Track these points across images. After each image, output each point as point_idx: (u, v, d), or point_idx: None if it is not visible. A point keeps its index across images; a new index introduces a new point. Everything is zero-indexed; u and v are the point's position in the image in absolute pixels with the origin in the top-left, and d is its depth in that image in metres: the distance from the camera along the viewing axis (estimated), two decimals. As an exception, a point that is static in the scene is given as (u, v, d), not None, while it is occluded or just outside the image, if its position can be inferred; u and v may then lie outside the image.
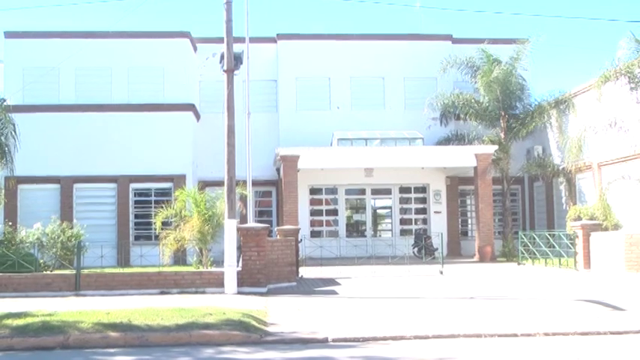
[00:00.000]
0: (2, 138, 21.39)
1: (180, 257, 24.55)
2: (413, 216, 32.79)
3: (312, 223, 31.74)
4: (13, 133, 21.46)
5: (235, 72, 18.91)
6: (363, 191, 32.85)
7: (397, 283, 19.61)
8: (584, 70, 65.71)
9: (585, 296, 15.70)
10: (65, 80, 29.55)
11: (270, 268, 18.50)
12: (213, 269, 18.91)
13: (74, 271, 17.90)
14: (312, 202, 32.01)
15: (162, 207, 22.02)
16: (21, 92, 28.34)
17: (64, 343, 11.01)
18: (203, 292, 17.31)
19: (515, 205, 33.17)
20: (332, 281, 20.10)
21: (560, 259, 23.93)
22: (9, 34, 29.87)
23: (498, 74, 29.32)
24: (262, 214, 32.02)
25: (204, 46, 30.87)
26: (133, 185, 29.08)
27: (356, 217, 33.28)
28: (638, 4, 64.32)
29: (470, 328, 11.66)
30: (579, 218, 25.11)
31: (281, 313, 13.88)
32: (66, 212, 27.38)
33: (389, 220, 33.19)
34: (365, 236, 31.92)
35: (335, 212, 32.39)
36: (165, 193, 28.35)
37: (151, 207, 27.84)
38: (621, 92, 24.29)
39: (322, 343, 11.06)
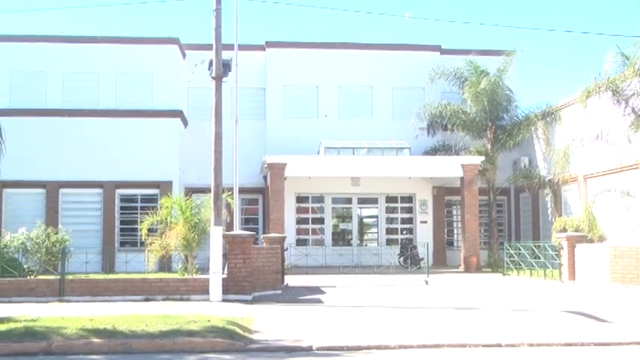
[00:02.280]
0: (-13, 142, 21.26)
1: (165, 264, 24.49)
2: (399, 225, 32.83)
3: (299, 232, 31.72)
4: (-1, 136, 21.34)
5: (224, 79, 18.89)
6: (349, 200, 32.86)
7: (382, 292, 19.61)
8: (572, 82, 66.07)
9: (570, 308, 15.73)
10: (52, 85, 29.39)
11: (255, 276, 18.47)
12: (199, 276, 18.86)
13: (58, 277, 17.83)
14: (299, 210, 31.99)
15: (148, 213, 21.99)
16: (8, 96, 28.22)
17: (47, 349, 10.93)
18: (188, 299, 17.26)
19: (501, 215, 33.24)
20: (317, 290, 20.08)
21: (545, 271, 24.00)
22: (-4, 38, 29.77)
23: (486, 85, 29.43)
24: (249, 221, 31.96)
25: (193, 52, 30.81)
26: (119, 191, 29.01)
27: (342, 225, 33.27)
28: (626, 17, 64.68)
29: (454, 338, 11.66)
30: (565, 230, 25.20)
31: (266, 320, 13.84)
32: (51, 217, 27.22)
33: (375, 230, 33.20)
34: (351, 245, 31.90)
35: (321, 221, 32.38)
36: (151, 199, 28.26)
37: (136, 213, 27.78)
38: (607, 105, 24.41)
39: (307, 351, 11.04)
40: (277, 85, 32.47)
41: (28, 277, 18.82)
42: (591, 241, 23.88)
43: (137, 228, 23.92)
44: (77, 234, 23.72)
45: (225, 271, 17.95)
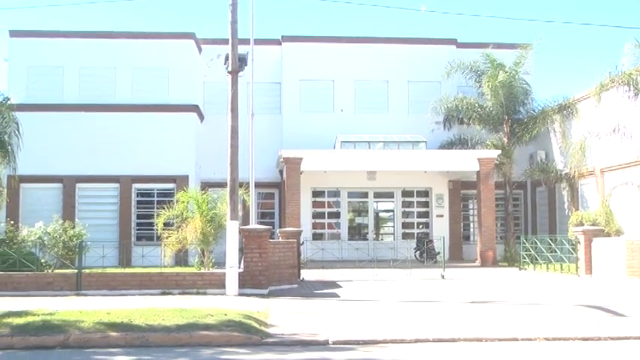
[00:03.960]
0: (5, 137, 21.46)
1: (181, 258, 24.58)
2: (415, 219, 32.77)
3: (315, 226, 31.74)
4: (17, 131, 21.52)
5: (240, 73, 18.90)
6: (365, 194, 32.83)
7: (399, 286, 19.59)
8: (590, 74, 65.56)
9: (586, 302, 15.68)
10: (69, 80, 29.57)
11: (271, 270, 18.50)
12: (215, 270, 18.93)
13: (75, 271, 17.91)
14: (315, 204, 31.99)
15: (164, 207, 22.06)
16: (25, 91, 28.35)
17: (64, 342, 11.00)
18: (204, 293, 17.30)
19: (517, 209, 33.12)
20: (333, 284, 20.10)
21: (561, 265, 23.92)
22: (14, 33, 29.95)
23: (503, 78, 29.30)
24: (265, 215, 32.02)
25: (209, 47, 30.84)
26: (136, 185, 29.13)
27: (358, 220, 33.25)
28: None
29: (470, 332, 11.65)
30: (581, 224, 25.09)
31: (282, 314, 13.88)
32: (68, 212, 27.41)
33: (391, 224, 33.17)
34: (367, 239, 31.87)
35: (337, 215, 32.38)
36: (167, 193, 28.38)
37: (153, 207, 27.87)
38: (625, 98, 24.29)
39: (323, 345, 11.05)
40: (293, 79, 32.46)
41: (46, 271, 18.94)
42: (608, 235, 23.76)
43: (153, 222, 23.99)
44: (94, 228, 23.84)
45: (242, 266, 17.98)
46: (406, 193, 32.71)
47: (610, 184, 26.05)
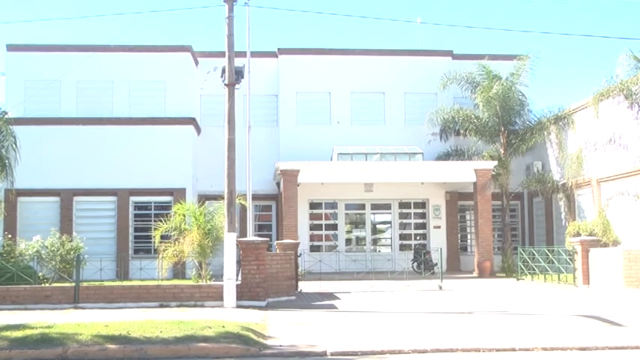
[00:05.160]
0: (3, 150, 21.46)
1: (179, 270, 24.58)
2: (412, 231, 32.78)
3: (312, 238, 31.74)
4: (14, 145, 21.51)
5: (236, 86, 18.97)
6: (362, 206, 32.85)
7: (396, 297, 19.60)
8: (585, 85, 65.93)
9: (584, 312, 15.70)
10: (67, 93, 29.57)
11: (269, 282, 18.51)
12: (213, 283, 18.92)
13: (73, 284, 17.90)
14: (312, 216, 32.01)
15: (161, 220, 22.03)
16: (22, 105, 28.39)
17: (62, 355, 11.01)
18: (202, 306, 17.30)
19: (514, 220, 33.16)
20: (331, 295, 20.09)
21: (559, 275, 23.91)
22: (11, 47, 29.97)
23: (498, 90, 29.36)
24: (262, 228, 31.98)
25: (206, 60, 30.98)
26: (133, 198, 29.11)
27: (355, 232, 33.24)
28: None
29: (468, 343, 11.66)
30: (578, 234, 25.13)
31: (280, 326, 13.87)
32: (66, 225, 27.36)
33: (388, 235, 33.17)
34: (364, 251, 31.86)
35: (335, 227, 32.39)
36: (165, 206, 28.33)
37: (150, 220, 27.79)
38: (620, 109, 24.37)
39: (321, 356, 11.06)
40: (290, 91, 32.53)
41: (43, 285, 18.90)
42: (605, 245, 23.81)
43: (151, 235, 23.99)
44: (91, 241, 23.87)
45: (239, 278, 17.98)
46: (403, 205, 32.74)
47: (607, 194, 26.10)
